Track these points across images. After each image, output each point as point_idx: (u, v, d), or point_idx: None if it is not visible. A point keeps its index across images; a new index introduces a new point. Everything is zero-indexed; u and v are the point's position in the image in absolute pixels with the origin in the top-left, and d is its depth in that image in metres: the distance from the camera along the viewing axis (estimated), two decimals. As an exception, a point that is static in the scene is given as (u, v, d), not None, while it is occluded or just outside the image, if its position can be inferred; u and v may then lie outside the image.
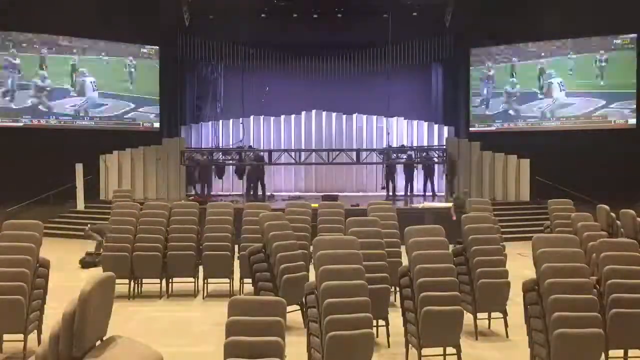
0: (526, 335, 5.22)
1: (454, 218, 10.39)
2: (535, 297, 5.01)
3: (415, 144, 18.93)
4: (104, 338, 3.16)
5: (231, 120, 19.20)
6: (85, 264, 10.27)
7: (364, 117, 19.07)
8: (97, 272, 9.29)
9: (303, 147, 18.62)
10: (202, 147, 18.71)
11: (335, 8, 17.74)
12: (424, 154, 17.20)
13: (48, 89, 16.14)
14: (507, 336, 6.32)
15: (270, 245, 6.66)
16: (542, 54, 16.93)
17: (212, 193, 16.57)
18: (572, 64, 16.51)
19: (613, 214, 7.81)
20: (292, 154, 17.09)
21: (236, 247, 8.56)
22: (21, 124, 15.72)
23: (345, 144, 18.76)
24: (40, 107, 16.01)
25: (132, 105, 17.25)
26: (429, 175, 16.71)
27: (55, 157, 14.71)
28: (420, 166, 17.02)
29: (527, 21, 16.23)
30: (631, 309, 4.87)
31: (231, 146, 18.20)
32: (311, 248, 6.21)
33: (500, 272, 6.38)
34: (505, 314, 6.39)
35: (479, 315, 6.42)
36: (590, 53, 16.24)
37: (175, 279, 8.33)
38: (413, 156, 16.94)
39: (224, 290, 8.28)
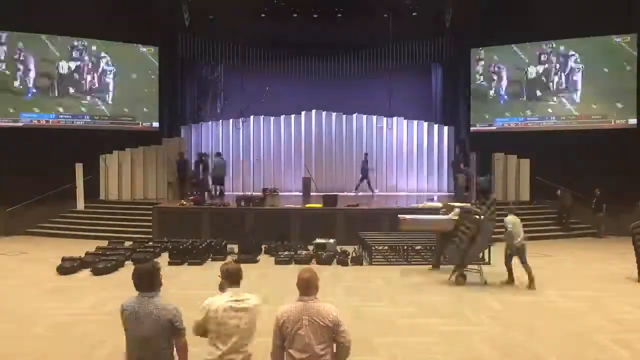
0: None
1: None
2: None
3: (415, 144, 18.97)
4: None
5: (231, 120, 19.20)
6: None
7: (364, 117, 19.07)
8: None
9: (303, 147, 18.66)
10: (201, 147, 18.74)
11: (335, 8, 17.74)
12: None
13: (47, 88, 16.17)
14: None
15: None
16: (542, 53, 16.91)
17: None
18: (572, 64, 16.50)
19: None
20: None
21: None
22: (21, 124, 15.72)
23: (345, 143, 18.80)
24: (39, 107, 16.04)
25: (132, 105, 17.22)
26: None
27: (56, 157, 14.70)
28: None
29: (527, 21, 16.22)
30: None
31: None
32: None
33: None
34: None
35: None
36: (591, 53, 16.24)
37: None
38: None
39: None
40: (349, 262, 10.29)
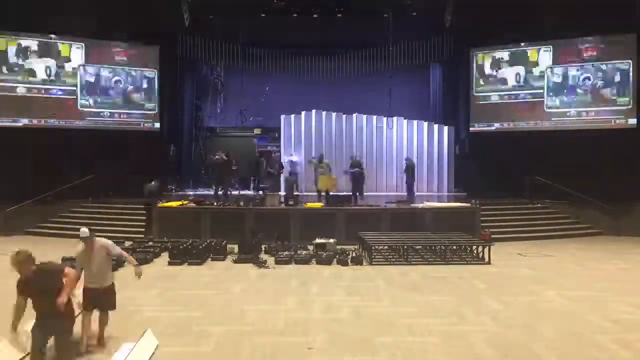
0: None
1: None
2: None
3: (415, 144, 18.98)
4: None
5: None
6: None
7: (364, 117, 19.08)
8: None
9: (303, 147, 18.67)
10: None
11: (335, 8, 17.76)
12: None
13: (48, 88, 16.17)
14: None
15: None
16: (542, 54, 16.92)
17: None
18: (571, 64, 16.50)
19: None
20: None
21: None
22: (21, 124, 15.72)
23: (345, 143, 18.81)
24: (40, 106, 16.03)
25: (133, 105, 17.22)
26: None
27: (56, 157, 14.69)
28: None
29: (527, 21, 16.23)
30: None
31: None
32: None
33: None
34: None
35: None
36: (590, 53, 16.24)
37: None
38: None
39: None
40: (349, 262, 10.29)
